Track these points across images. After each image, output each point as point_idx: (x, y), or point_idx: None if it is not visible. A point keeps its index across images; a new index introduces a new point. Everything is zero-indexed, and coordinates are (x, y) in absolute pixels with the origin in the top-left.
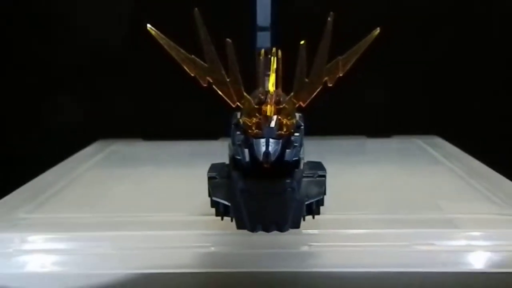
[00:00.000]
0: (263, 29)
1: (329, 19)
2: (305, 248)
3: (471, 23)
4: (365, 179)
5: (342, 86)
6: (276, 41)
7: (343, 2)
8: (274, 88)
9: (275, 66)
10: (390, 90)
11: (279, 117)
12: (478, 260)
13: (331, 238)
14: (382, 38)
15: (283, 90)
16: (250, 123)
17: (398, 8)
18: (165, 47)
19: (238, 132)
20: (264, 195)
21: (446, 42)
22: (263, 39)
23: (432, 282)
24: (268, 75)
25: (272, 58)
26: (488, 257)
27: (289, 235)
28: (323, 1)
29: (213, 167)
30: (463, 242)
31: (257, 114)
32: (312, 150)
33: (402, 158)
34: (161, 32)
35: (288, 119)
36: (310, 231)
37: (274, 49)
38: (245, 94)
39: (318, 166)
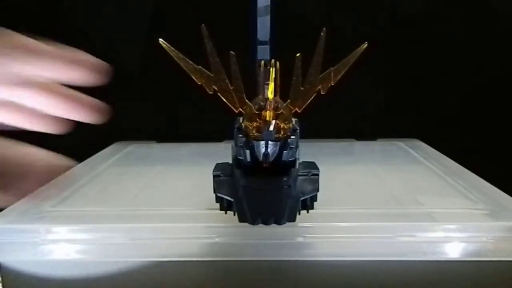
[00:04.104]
0: (263, 43)
1: (322, 34)
2: (300, 239)
3: (449, 36)
4: (354, 177)
5: (334, 94)
6: (274, 54)
7: (335, 18)
8: (272, 96)
9: (273, 75)
10: (376, 98)
11: (277, 122)
12: (454, 250)
13: (323, 230)
14: (369, 51)
15: (280, 97)
16: (251, 127)
17: (383, 22)
18: (175, 58)
19: (240, 135)
20: (264, 191)
21: (427, 55)
22: (263, 52)
23: (413, 270)
24: (267, 84)
25: (271, 69)
26: (463, 247)
27: (286, 228)
28: (317, 17)
29: (218, 167)
30: (441, 234)
31: (257, 119)
32: (306, 151)
33: (386, 159)
34: (172, 45)
35: (285, 124)
36: (304, 224)
37: (273, 61)
38: (246, 101)
39: (312, 166)
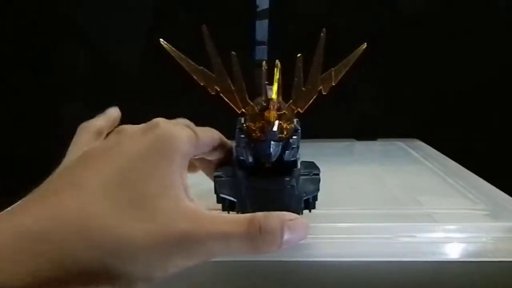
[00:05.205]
0: (261, 43)
1: (322, 34)
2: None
3: (449, 36)
4: (354, 177)
5: (334, 94)
6: (275, 54)
7: (336, 19)
8: (276, 96)
9: (277, 76)
10: (376, 98)
11: (280, 122)
12: (454, 251)
13: (324, 230)
14: (369, 52)
15: (282, 98)
16: (254, 127)
17: (383, 23)
18: (177, 59)
19: (242, 136)
20: (267, 191)
21: (427, 55)
22: (261, 52)
23: (413, 270)
24: (268, 85)
25: (275, 69)
26: (463, 248)
27: None
28: (318, 18)
29: (219, 167)
30: (441, 234)
31: (260, 119)
32: (307, 151)
33: (386, 159)
34: (173, 46)
35: (288, 124)
36: None
37: (277, 62)
38: (249, 101)
39: (312, 166)
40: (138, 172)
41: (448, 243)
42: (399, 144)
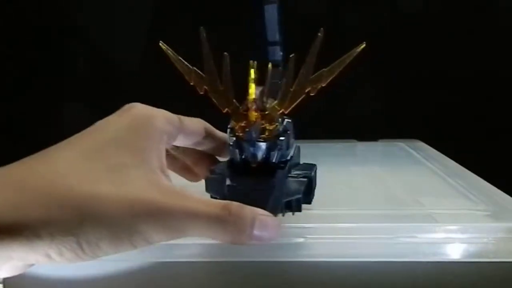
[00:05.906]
0: (272, 43)
1: (319, 34)
2: (301, 240)
3: (449, 36)
4: (355, 178)
5: (336, 95)
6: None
7: (336, 18)
8: (253, 97)
9: (252, 76)
10: (377, 99)
11: (262, 122)
12: (455, 251)
13: (324, 231)
14: (371, 52)
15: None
16: (237, 126)
17: (382, 24)
18: (172, 60)
19: (231, 135)
20: (246, 191)
21: (428, 56)
22: (273, 52)
23: (414, 271)
24: (264, 85)
25: (251, 70)
26: (464, 248)
27: (287, 229)
28: (318, 17)
29: (217, 165)
30: (442, 235)
31: (243, 119)
32: (308, 152)
33: (388, 159)
34: (174, 45)
35: (271, 124)
36: (305, 224)
37: (251, 62)
38: (234, 101)
39: (308, 168)
40: (114, 146)
41: (449, 244)
42: (400, 145)
